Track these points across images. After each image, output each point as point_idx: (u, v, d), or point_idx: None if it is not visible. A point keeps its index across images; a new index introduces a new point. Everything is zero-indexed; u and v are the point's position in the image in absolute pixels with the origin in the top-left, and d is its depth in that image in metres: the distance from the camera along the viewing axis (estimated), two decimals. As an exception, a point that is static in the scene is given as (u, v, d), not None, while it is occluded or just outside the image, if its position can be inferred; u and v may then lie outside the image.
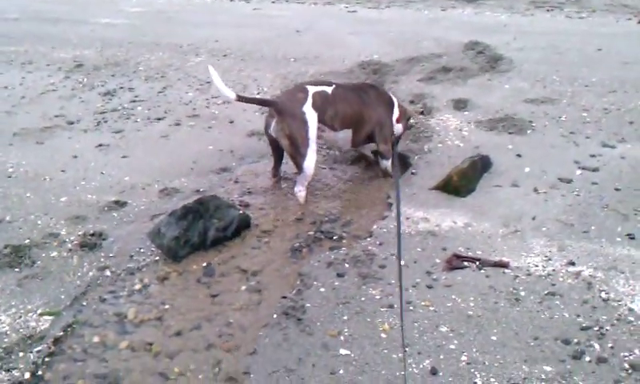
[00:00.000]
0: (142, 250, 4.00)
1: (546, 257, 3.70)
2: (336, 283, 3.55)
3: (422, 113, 5.55)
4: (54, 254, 3.97)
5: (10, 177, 5.05)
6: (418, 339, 3.09)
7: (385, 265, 3.68)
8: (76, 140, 5.77)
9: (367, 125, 4.65)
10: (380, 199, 4.56)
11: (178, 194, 4.68)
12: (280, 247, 4.02)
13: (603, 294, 3.35)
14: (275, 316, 3.32)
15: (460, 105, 6.04)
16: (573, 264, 3.62)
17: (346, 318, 3.27)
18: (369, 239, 3.97)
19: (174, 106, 6.51)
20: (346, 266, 3.70)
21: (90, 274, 3.78)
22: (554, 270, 3.57)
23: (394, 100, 4.89)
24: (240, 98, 4.35)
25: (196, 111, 6.33)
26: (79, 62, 8.32)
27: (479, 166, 4.63)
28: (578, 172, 4.68)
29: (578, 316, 3.19)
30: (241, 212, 4.22)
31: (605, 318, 3.18)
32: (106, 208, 4.49)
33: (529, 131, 5.39)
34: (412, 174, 4.87)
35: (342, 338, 3.13)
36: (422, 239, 3.94)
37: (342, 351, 3.03)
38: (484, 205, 4.31)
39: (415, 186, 4.60)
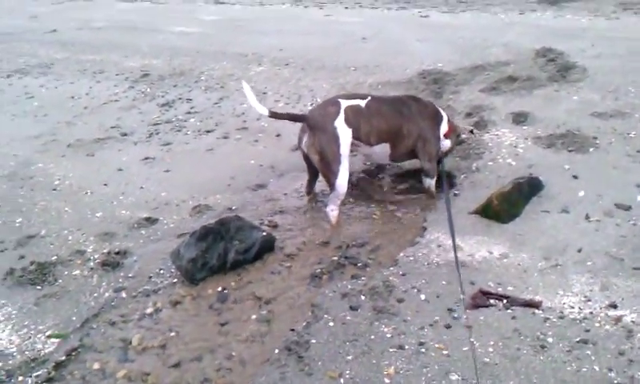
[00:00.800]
0: (161, 272, 3.94)
1: (586, 297, 3.32)
2: (347, 317, 3.33)
3: (471, 132, 5.18)
4: (77, 272, 3.98)
5: (54, 189, 5.15)
6: (424, 388, 2.81)
7: (403, 299, 3.42)
8: (125, 152, 5.83)
9: (407, 139, 4.39)
10: (415, 223, 4.28)
11: (209, 212, 4.59)
12: (300, 273, 3.84)
13: (644, 346, 2.93)
14: (277, 351, 3.14)
15: (520, 118, 5.62)
16: (615, 307, 3.21)
17: (350, 357, 3.05)
18: (392, 268, 3.72)
19: (225, 117, 6.47)
20: (362, 298, 3.47)
21: (106, 294, 3.75)
22: (591, 313, 3.19)
23: (443, 114, 4.60)
24: (273, 115, 4.22)
25: (246, 123, 6.25)
26: (146, 72, 8.47)
27: (525, 189, 4.26)
28: (640, 198, 4.19)
29: (610, 370, 2.82)
30: (264, 234, 4.06)
31: (642, 374, 2.77)
32: (136, 225, 4.47)
33: (591, 149, 4.92)
34: (454, 194, 4.54)
35: (341, 380, 2.92)
36: (449, 271, 3.64)
37: (340, 396, 2.80)
38: (526, 233, 3.95)
39: (454, 209, 4.28)
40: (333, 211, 4.27)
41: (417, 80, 6.93)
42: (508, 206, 4.11)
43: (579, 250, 3.71)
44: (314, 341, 3.17)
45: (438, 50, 7.94)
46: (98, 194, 5.02)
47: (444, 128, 4.53)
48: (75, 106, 7.27)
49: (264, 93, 7.12)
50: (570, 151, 4.93)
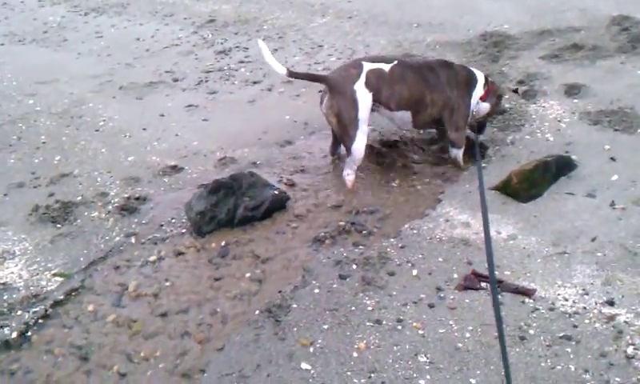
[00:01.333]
0: (173, 221, 4.05)
1: (584, 290, 3.15)
2: (334, 285, 3.32)
3: (515, 91, 4.93)
4: (95, 214, 4.16)
5: (97, 130, 5.37)
6: (390, 366, 2.80)
7: (394, 272, 3.37)
8: (172, 98, 5.96)
9: (431, 108, 4.25)
10: (432, 194, 4.16)
11: (232, 165, 4.65)
12: (304, 235, 3.85)
13: (630, 349, 2.77)
14: (257, 312, 3.18)
15: (573, 90, 5.29)
16: (612, 304, 3.04)
17: (326, 327, 3.06)
18: (393, 240, 3.65)
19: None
20: (354, 266, 3.45)
21: (117, 238, 3.90)
22: (584, 308, 3.03)
23: (478, 76, 4.40)
24: (291, 74, 4.20)
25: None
26: (212, 17, 8.55)
27: (552, 168, 4.03)
28: (679, 188, 3.89)
29: (587, 371, 2.69)
30: (276, 192, 4.07)
31: (618, 380, 2.62)
32: (161, 172, 4.60)
33: (639, 130, 4.57)
34: (482, 167, 4.36)
35: (311, 349, 2.94)
36: (450, 247, 3.54)
37: (304, 365, 2.84)
38: (542, 215, 3.76)
39: (474, 183, 4.12)
40: (349, 176, 4.22)
41: (476, 42, 6.63)
42: (528, 185, 3.91)
43: (593, 239, 3.50)
44: (295, 305, 3.19)
45: (509, 11, 7.53)
46: (136, 137, 5.18)
47: (479, 92, 4.35)
48: (138, 48, 7.47)
49: (320, 45, 7.05)
50: (615, 130, 4.61)
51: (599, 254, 3.38)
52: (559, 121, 4.83)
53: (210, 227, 3.91)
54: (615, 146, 4.39)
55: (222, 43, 7.43)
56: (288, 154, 4.77)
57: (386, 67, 4.11)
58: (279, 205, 4.07)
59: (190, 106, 5.72)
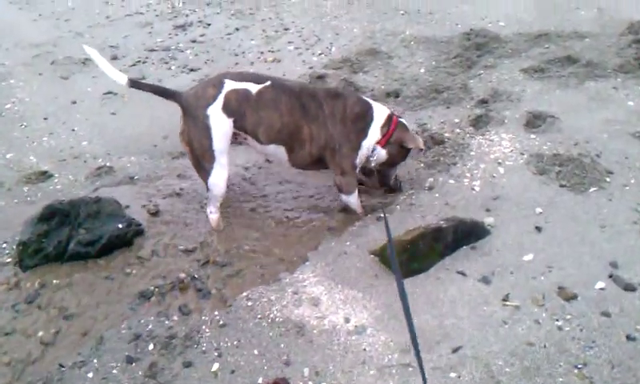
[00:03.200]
0: (3, 246, 3.49)
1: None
2: (113, 371, 2.73)
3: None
4: None
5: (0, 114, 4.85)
6: None
7: (191, 363, 2.76)
8: (97, 81, 5.46)
9: (309, 145, 3.49)
10: (304, 247, 3.44)
11: (107, 177, 4.09)
12: (133, 286, 3.28)
13: None
14: None
15: (537, 122, 4.38)
16: None
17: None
18: (217, 312, 3.00)
19: (222, 55, 5.81)
20: (150, 347, 2.83)
21: None
22: None
23: (376, 114, 3.55)
24: (134, 84, 3.45)
25: (234, 67, 5.51)
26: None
27: (447, 238, 3.24)
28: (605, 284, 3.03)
29: None
30: (120, 226, 3.46)
31: None
32: (25, 179, 4.10)
33: (592, 189, 3.67)
34: (378, 218, 3.60)
35: None
36: (277, 335, 2.87)
37: None
38: (413, 301, 2.99)
39: (356, 240, 3.39)
40: (212, 214, 3.56)
41: (457, 41, 5.71)
42: (408, 256, 3.14)
43: (455, 350, 2.73)
44: (57, 389, 2.59)
45: (512, 4, 6.48)
46: (31, 128, 4.70)
47: (374, 134, 3.52)
48: (99, 15, 6.94)
49: (286, 29, 6.31)
50: (561, 186, 3.72)
51: (452, 375, 2.61)
52: (499, 163, 3.97)
53: (34, 261, 3.37)
54: (550, 209, 3.53)
55: (187, 16, 6.78)
56: (175, 170, 4.15)
57: (254, 88, 3.35)
58: (122, 241, 3.46)
59: (108, 93, 5.16)
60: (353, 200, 3.62)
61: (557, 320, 2.85)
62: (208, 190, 3.48)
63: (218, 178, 3.40)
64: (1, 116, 4.82)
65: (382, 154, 3.58)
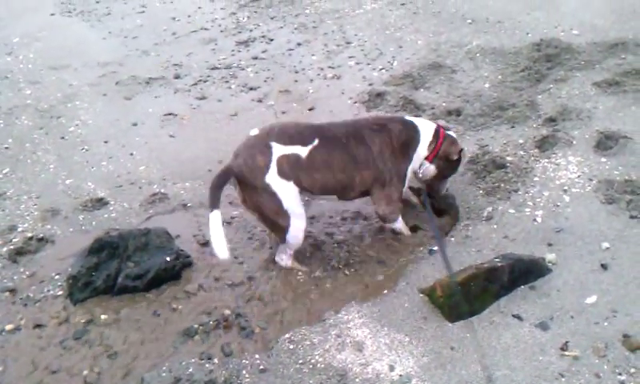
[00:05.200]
0: (56, 277, 3.56)
1: None
2: (152, 418, 2.65)
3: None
4: (-15, 255, 3.74)
5: (62, 138, 5.04)
6: None
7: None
8: (159, 102, 5.49)
9: (359, 186, 3.41)
10: (358, 286, 3.31)
11: (161, 204, 4.09)
12: (178, 323, 3.24)
13: None
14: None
15: (608, 143, 4.06)
16: None
17: None
18: (258, 355, 2.91)
19: (281, 72, 5.70)
20: (190, 393, 2.75)
21: (-14, 294, 3.46)
22: None
23: (422, 132, 3.47)
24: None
25: (293, 85, 5.45)
26: (262, -6, 7.84)
27: (503, 278, 3.03)
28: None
29: None
30: (168, 260, 3.44)
31: None
32: (82, 206, 4.15)
33: (669, 221, 3.36)
34: (430, 251, 3.44)
35: None
36: (316, 381, 2.72)
37: None
38: (463, 348, 2.82)
39: (407, 277, 3.23)
40: (282, 261, 3.49)
41: (526, 52, 5.41)
42: (458, 300, 2.94)
43: (505, 408, 2.52)
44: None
45: (587, 10, 6.09)
46: (91, 152, 4.75)
47: (422, 151, 3.45)
48: (166, 31, 7.00)
49: (348, 43, 6.18)
50: (632, 217, 3.42)
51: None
52: (565, 190, 3.70)
53: (83, 295, 3.39)
54: (618, 244, 3.25)
55: (250, 31, 6.74)
56: (227, 198, 4.06)
57: (303, 152, 3.23)
58: (170, 274, 3.44)
59: (168, 114, 5.16)
60: (398, 225, 3.52)
61: (619, 374, 2.60)
62: (283, 243, 3.40)
63: (297, 230, 3.33)
64: (64, 139, 4.88)
65: (430, 168, 3.44)
